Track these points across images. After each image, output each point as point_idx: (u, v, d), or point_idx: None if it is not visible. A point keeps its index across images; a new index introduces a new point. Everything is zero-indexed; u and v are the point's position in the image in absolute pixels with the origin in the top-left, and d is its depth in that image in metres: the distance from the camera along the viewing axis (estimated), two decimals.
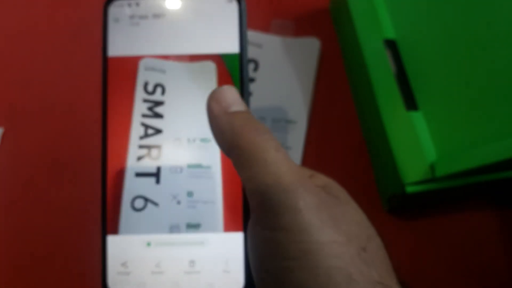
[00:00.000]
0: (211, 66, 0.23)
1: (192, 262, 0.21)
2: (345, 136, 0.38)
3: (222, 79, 0.23)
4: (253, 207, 0.19)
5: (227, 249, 0.21)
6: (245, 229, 0.21)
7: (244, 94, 0.22)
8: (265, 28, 0.41)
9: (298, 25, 0.42)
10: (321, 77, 0.40)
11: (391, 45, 0.36)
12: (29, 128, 0.39)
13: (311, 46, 0.40)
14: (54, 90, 0.40)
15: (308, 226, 0.17)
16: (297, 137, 0.38)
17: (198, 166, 0.22)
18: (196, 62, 0.23)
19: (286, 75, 0.39)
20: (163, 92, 0.23)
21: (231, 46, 0.23)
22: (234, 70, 0.23)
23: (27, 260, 0.35)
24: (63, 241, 0.35)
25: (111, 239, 0.22)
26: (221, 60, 0.23)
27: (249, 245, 0.19)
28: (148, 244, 0.22)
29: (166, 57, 0.23)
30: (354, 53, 0.38)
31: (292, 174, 0.18)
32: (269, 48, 0.40)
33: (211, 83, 0.23)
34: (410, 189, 0.31)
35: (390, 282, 0.17)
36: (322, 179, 0.21)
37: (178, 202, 0.22)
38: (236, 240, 0.21)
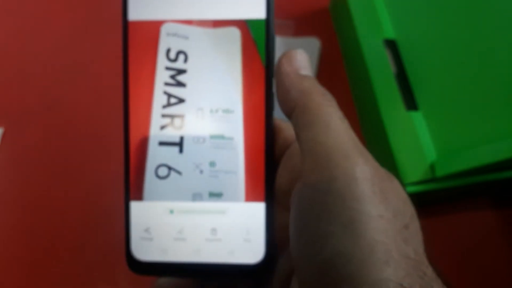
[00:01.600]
0: (235, 33, 0.22)
1: (213, 230, 0.21)
2: None
3: (247, 47, 0.22)
4: (306, 169, 0.18)
5: (248, 219, 0.21)
6: (266, 199, 0.21)
7: (270, 63, 0.22)
8: None
9: (298, 25, 0.42)
10: (321, 77, 0.40)
11: (391, 45, 0.36)
12: (31, 122, 0.39)
13: (311, 46, 0.40)
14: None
15: (361, 195, 0.17)
16: None
17: (221, 137, 0.22)
18: (220, 28, 0.22)
19: None
20: (185, 59, 0.22)
21: (257, 11, 0.22)
22: (260, 37, 0.22)
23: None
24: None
25: (134, 205, 0.22)
26: (246, 26, 0.22)
27: (294, 207, 0.19)
28: (171, 211, 0.22)
29: (189, 22, 0.22)
30: (354, 53, 0.38)
31: (352, 143, 0.18)
32: None
33: (235, 51, 0.22)
34: (410, 189, 0.31)
35: (424, 261, 0.17)
36: None
37: (201, 172, 0.22)
38: (257, 210, 0.21)
